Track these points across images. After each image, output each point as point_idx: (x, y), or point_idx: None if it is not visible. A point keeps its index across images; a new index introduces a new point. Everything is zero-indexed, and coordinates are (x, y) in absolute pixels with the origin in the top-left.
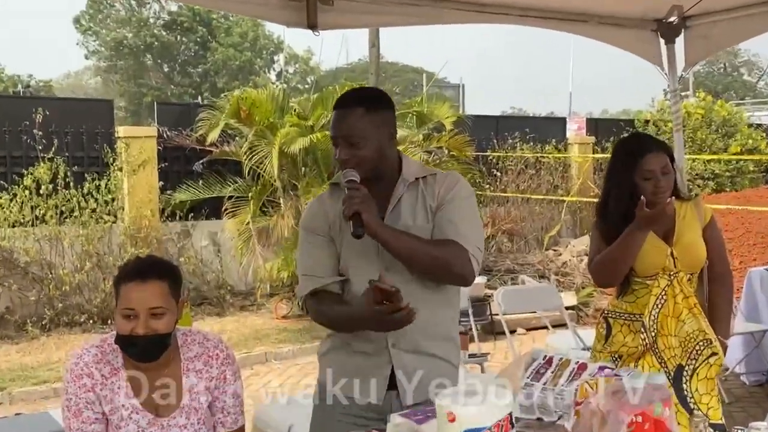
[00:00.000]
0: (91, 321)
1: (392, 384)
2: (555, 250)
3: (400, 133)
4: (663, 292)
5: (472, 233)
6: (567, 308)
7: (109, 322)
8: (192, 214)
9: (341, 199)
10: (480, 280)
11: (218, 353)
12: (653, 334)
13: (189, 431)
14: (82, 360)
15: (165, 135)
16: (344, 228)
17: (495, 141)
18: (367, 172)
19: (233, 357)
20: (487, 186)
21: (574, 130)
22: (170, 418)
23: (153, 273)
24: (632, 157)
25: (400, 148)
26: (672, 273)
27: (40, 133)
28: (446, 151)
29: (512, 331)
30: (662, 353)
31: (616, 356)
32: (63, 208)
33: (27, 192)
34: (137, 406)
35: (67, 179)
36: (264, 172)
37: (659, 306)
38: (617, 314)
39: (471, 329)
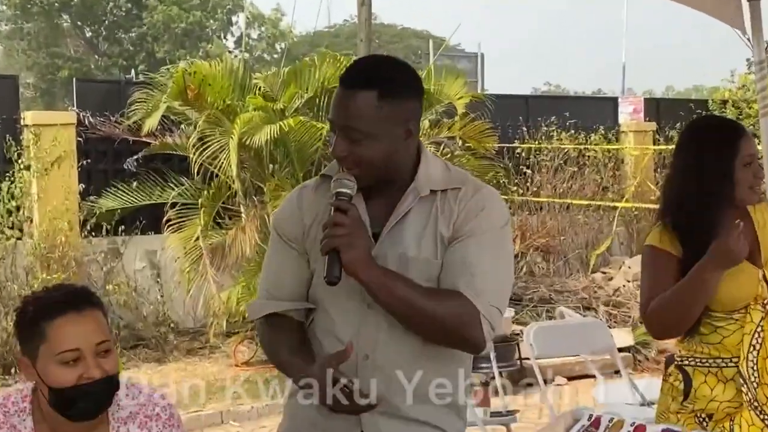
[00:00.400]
0: None
1: None
2: (604, 273)
3: None
4: (759, 329)
5: (492, 286)
6: (620, 350)
7: (12, 371)
8: (123, 227)
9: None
10: (506, 313)
11: (159, 413)
12: (755, 384)
13: None
14: None
15: (87, 122)
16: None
17: (525, 129)
18: (368, 179)
19: (178, 418)
20: (515, 188)
21: (628, 114)
22: None
23: (86, 301)
24: (730, 136)
25: None
26: (766, 302)
27: None
28: (460, 143)
29: (548, 381)
30: (764, 407)
31: (704, 416)
32: None
33: None
34: None
35: None
36: (219, 170)
37: (757, 347)
38: (698, 360)
39: (494, 378)
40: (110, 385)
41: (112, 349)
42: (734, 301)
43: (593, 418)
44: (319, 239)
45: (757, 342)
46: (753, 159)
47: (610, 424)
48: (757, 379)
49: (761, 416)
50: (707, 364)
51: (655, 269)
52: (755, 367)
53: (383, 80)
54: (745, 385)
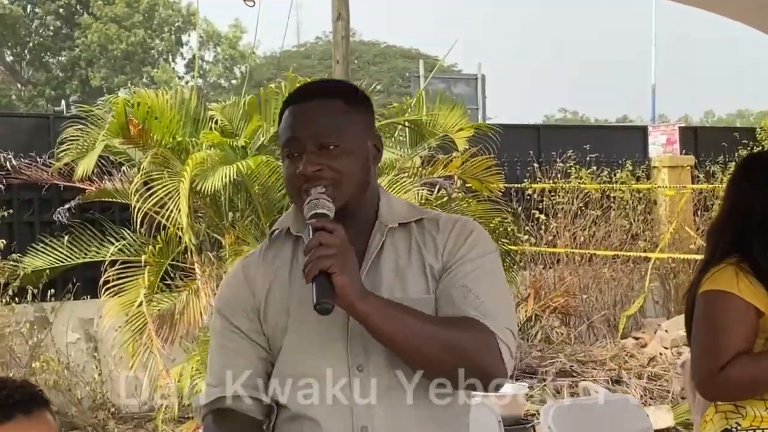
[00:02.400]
0: None
1: None
2: (637, 339)
3: (386, 155)
4: None
5: (500, 307)
6: None
7: None
8: (53, 290)
9: (287, 256)
10: (518, 389)
11: None
12: None
13: None
14: None
15: (9, 165)
16: (293, 303)
17: (536, 165)
18: (350, 198)
19: None
20: (526, 237)
21: (661, 146)
22: None
23: (33, 401)
24: None
25: (385, 178)
26: None
27: None
28: (459, 182)
29: None
30: None
31: None
32: None
33: None
34: None
35: None
36: (168, 221)
37: None
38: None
39: None
40: None
41: None
42: None
43: None
44: (283, 298)
45: None
46: None
47: None
48: None
49: None
50: None
51: (731, 322)
52: None
53: (344, 89)
54: None
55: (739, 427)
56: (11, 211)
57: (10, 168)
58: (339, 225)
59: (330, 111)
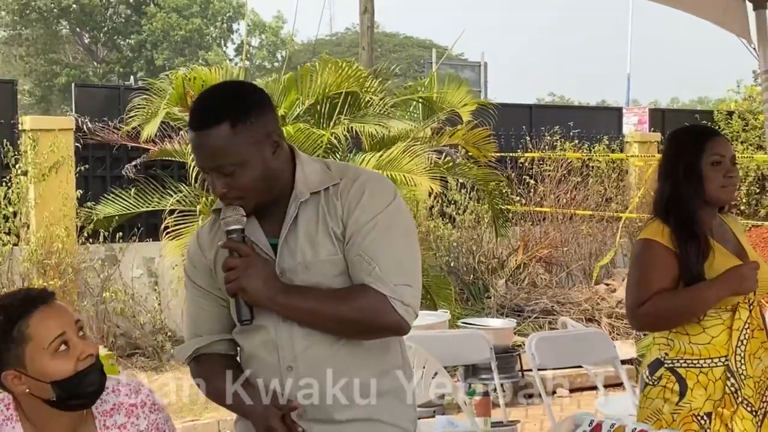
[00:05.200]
0: None
1: None
2: (607, 285)
3: (401, 126)
4: (746, 325)
5: (393, 266)
6: (623, 362)
7: None
8: (121, 233)
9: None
10: (507, 323)
11: (143, 400)
12: (742, 377)
13: None
14: None
15: (86, 128)
16: None
17: (528, 138)
18: (256, 202)
19: (160, 403)
20: (518, 198)
21: (633, 125)
22: None
23: (46, 294)
24: (697, 138)
25: (401, 145)
26: (751, 301)
27: None
28: (463, 151)
29: (551, 392)
30: (749, 400)
31: (702, 414)
32: None
33: None
34: None
35: None
36: None
37: (744, 342)
38: (689, 362)
39: (494, 389)
40: (99, 363)
41: (85, 329)
42: (726, 302)
43: (594, 424)
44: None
45: (745, 338)
46: (722, 159)
47: (612, 430)
48: (744, 373)
49: (748, 408)
50: (698, 365)
51: (655, 264)
52: (743, 361)
53: (229, 109)
54: (732, 378)
55: (666, 357)
56: (87, 166)
57: (86, 130)
58: (242, 242)
59: (217, 140)
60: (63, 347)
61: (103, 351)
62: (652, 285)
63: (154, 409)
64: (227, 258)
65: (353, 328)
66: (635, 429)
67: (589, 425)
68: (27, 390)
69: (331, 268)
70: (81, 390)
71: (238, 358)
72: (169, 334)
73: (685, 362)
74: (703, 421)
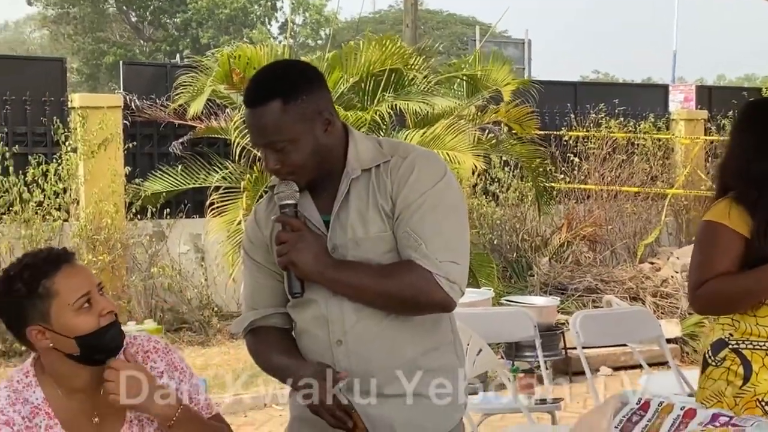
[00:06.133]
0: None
1: None
2: (652, 264)
3: (445, 103)
4: None
5: (440, 244)
6: (668, 341)
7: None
8: (168, 210)
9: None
10: (551, 302)
11: (155, 346)
12: None
13: None
14: None
15: (133, 105)
16: None
17: (572, 116)
18: (306, 178)
19: (172, 347)
20: (562, 176)
21: (679, 102)
22: None
23: (69, 254)
24: None
25: (444, 122)
26: None
27: None
28: (506, 128)
29: (594, 370)
30: None
31: (766, 400)
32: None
33: None
34: None
35: (6, 162)
36: None
37: None
38: (756, 344)
39: (539, 367)
40: (118, 320)
41: (107, 290)
42: None
43: (642, 402)
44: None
45: None
46: None
47: (660, 408)
48: None
49: None
50: (765, 347)
51: (718, 247)
52: None
53: (280, 87)
54: None
55: (731, 338)
56: (135, 143)
57: (134, 107)
58: (295, 216)
59: (270, 117)
60: (86, 305)
61: (151, 325)
62: (713, 268)
63: (168, 350)
64: (279, 232)
65: (399, 304)
66: (684, 407)
67: (637, 403)
68: (51, 345)
69: (381, 244)
70: (104, 344)
71: (293, 333)
72: (215, 309)
73: (750, 344)
74: (767, 407)
